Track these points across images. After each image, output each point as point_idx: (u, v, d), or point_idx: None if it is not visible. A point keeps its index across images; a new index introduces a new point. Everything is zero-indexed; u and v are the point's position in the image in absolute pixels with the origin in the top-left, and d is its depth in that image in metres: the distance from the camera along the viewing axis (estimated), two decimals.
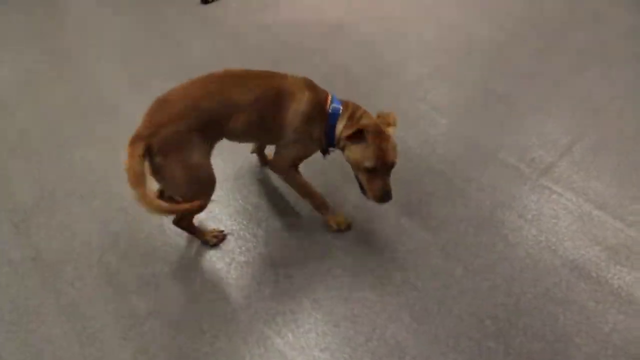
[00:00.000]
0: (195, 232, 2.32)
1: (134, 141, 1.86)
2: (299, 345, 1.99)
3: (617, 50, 3.40)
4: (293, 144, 2.14)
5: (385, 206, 2.36)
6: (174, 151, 1.90)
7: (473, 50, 3.49)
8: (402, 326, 2.03)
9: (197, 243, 2.37)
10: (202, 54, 3.65)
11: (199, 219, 2.36)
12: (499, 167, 2.65)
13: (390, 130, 2.05)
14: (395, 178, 2.09)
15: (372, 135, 1.97)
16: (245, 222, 2.46)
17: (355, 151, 2.02)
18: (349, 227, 2.38)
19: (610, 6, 3.84)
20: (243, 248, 2.35)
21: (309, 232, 2.39)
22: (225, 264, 2.29)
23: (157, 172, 1.92)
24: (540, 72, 3.26)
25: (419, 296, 2.12)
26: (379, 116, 2.13)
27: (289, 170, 2.24)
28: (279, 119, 2.07)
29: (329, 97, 2.14)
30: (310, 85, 2.12)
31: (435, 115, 2.98)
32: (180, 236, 2.40)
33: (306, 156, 2.24)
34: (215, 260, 2.31)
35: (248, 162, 2.69)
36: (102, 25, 4.16)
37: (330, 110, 2.10)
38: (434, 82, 3.23)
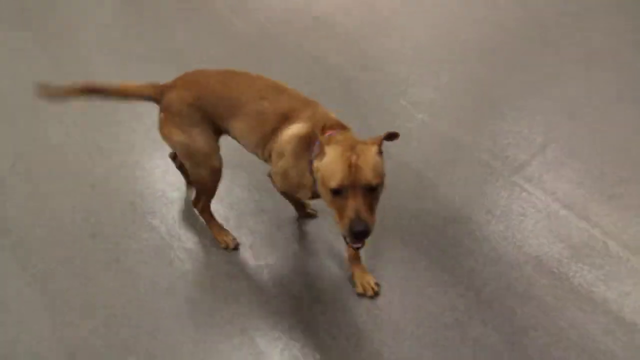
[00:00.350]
0: (211, 222, 2.29)
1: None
2: (275, 345, 2.02)
3: (598, 58, 3.44)
4: (282, 179, 1.93)
5: None
6: (174, 117, 1.97)
7: (455, 51, 3.52)
8: (363, 313, 2.06)
9: (170, 223, 2.39)
10: (185, 41, 3.65)
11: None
12: (472, 163, 2.68)
13: (373, 148, 1.64)
14: None
15: (338, 148, 1.63)
16: (228, 220, 2.47)
17: (318, 169, 1.67)
18: (315, 214, 2.43)
19: (596, 14, 3.88)
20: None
21: (288, 229, 2.42)
22: (201, 252, 2.31)
23: (160, 128, 2.02)
24: (520, 74, 3.29)
25: (381, 284, 2.15)
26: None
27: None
28: (270, 141, 1.91)
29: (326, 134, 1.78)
30: (323, 120, 1.83)
31: (412, 110, 3.01)
32: (153, 216, 2.42)
33: (299, 198, 2.07)
34: (189, 245, 2.33)
35: (232, 162, 2.70)
36: (91, 7, 4.15)
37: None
38: (415, 79, 3.26)
